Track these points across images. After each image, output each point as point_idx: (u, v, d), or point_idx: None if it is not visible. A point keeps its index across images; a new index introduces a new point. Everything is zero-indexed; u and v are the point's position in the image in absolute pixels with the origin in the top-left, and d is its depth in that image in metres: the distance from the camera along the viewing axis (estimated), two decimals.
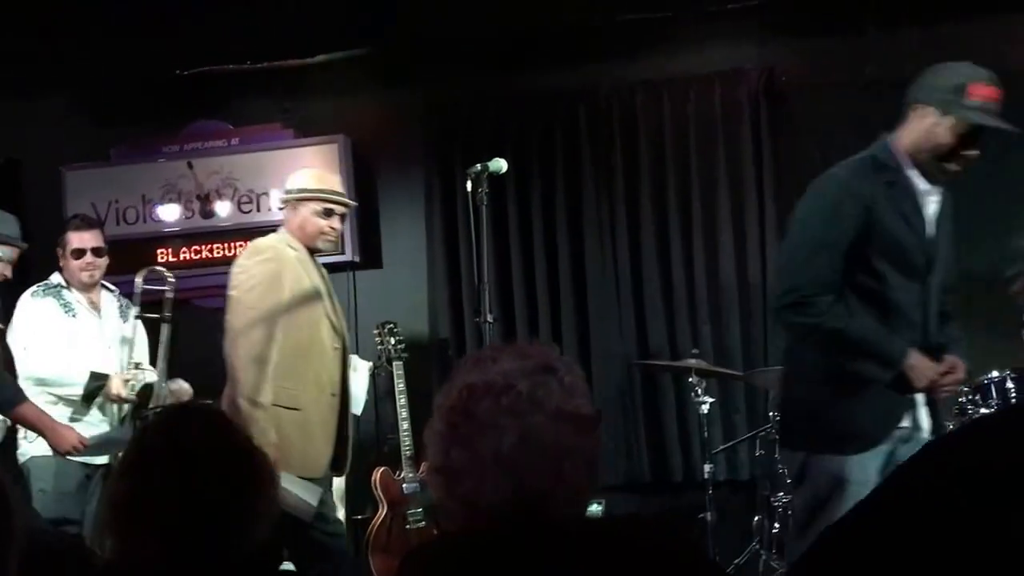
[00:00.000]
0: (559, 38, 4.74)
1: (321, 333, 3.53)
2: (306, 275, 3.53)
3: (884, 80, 4.43)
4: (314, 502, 3.33)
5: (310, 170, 3.85)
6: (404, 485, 4.32)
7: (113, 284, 4.25)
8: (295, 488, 3.25)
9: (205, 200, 5.13)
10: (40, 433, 3.68)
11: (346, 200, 3.63)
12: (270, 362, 3.33)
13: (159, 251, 5.15)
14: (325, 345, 3.53)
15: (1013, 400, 3.62)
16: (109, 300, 4.14)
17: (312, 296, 3.54)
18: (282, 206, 3.66)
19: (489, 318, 3.48)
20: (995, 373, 3.75)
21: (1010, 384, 3.69)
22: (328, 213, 3.57)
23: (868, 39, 4.39)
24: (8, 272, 3.78)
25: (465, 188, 3.59)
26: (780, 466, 3.98)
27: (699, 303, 4.65)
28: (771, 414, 4.08)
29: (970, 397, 3.75)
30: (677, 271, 4.67)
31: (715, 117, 4.67)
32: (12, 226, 3.83)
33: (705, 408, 4.15)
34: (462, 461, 1.37)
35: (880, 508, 1.37)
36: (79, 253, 4.01)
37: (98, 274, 4.06)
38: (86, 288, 4.01)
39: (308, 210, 3.55)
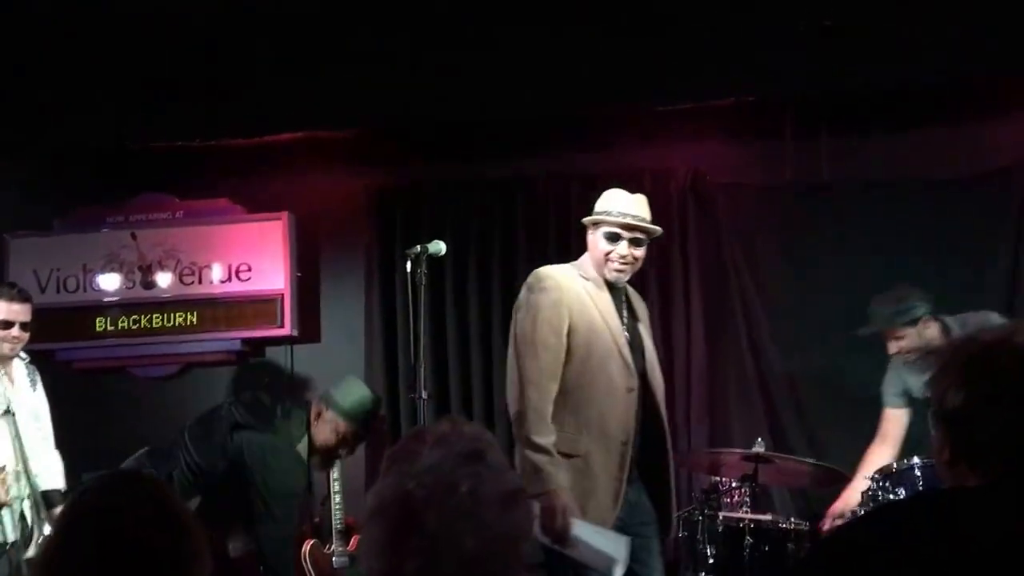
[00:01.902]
0: (500, 129, 4.97)
1: (610, 370, 3.13)
2: (594, 306, 3.17)
3: (801, 184, 4.75)
4: (619, 556, 2.89)
5: (609, 191, 3.37)
6: (334, 559, 4.34)
7: (51, 351, 4.25)
8: (592, 539, 2.88)
9: (147, 271, 5.17)
10: None
11: (634, 223, 3.19)
12: (551, 400, 3.04)
13: (97, 320, 5.17)
14: (615, 385, 3.13)
15: (920, 488, 3.75)
16: (19, 367, 4.10)
17: (599, 329, 3.15)
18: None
19: (423, 395, 3.60)
20: (905, 461, 3.95)
21: (918, 472, 3.88)
22: (613, 238, 3.20)
23: (787, 145, 4.69)
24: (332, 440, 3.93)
25: (405, 268, 3.73)
26: (702, 547, 4.10)
27: None
28: (693, 495, 4.23)
29: (881, 484, 3.94)
30: None
31: None
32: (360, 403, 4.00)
33: None
34: (422, 572, 1.33)
35: None
36: (7, 324, 3.95)
37: (19, 348, 4.01)
38: (2, 359, 3.97)
39: (597, 235, 3.23)
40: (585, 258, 3.30)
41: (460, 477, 1.36)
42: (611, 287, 3.27)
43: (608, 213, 3.25)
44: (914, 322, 3.93)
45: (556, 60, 4.51)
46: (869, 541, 1.43)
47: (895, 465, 3.90)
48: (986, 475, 1.48)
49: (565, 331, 3.12)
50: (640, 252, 3.29)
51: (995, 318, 3.98)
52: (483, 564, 1.34)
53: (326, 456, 4.01)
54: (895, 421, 4.09)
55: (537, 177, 5.03)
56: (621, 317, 3.26)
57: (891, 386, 4.13)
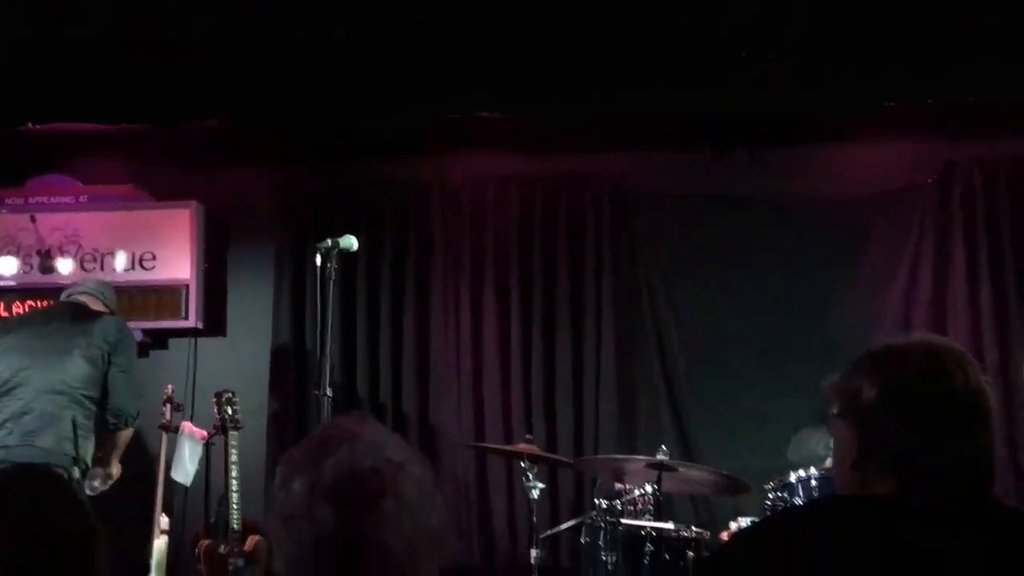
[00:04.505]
0: (419, 129, 4.93)
1: None
2: None
3: (717, 195, 4.83)
4: None
5: None
6: (229, 560, 4.23)
7: None
8: None
9: (46, 255, 5.00)
10: None
11: None
12: None
13: None
14: None
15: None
16: None
17: None
18: None
19: (328, 392, 3.55)
20: (802, 472, 4.04)
21: (815, 483, 3.98)
22: None
23: (704, 157, 4.76)
24: None
25: (315, 263, 3.68)
26: (604, 553, 4.12)
27: (535, 390, 4.82)
28: (596, 501, 4.24)
29: (778, 494, 4.02)
30: (515, 358, 4.84)
31: (560, 217, 4.91)
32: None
33: (535, 493, 4.27)
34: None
35: None
36: None
37: None
38: None
39: None
40: None
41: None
42: None
43: None
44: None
45: (479, 63, 4.48)
46: (767, 546, 1.47)
47: (792, 476, 4.00)
48: (903, 479, 1.48)
49: None
50: None
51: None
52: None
53: None
54: None
55: (453, 178, 5.00)
56: None
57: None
